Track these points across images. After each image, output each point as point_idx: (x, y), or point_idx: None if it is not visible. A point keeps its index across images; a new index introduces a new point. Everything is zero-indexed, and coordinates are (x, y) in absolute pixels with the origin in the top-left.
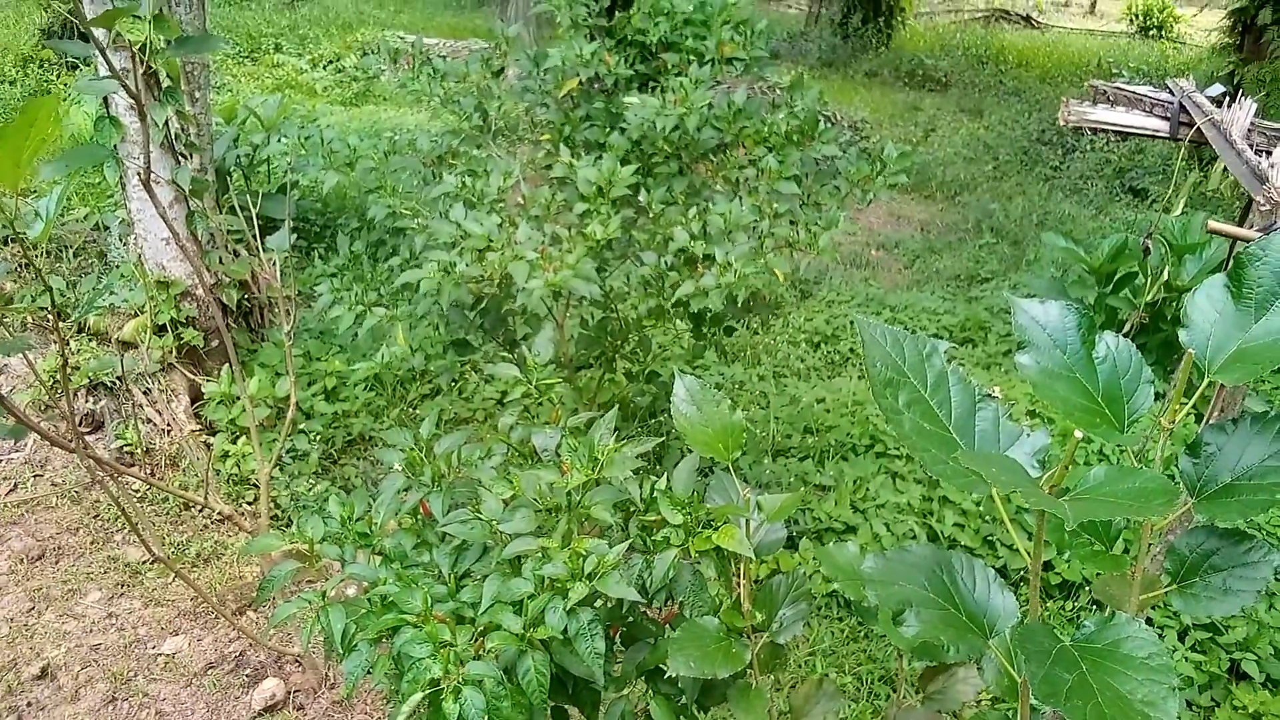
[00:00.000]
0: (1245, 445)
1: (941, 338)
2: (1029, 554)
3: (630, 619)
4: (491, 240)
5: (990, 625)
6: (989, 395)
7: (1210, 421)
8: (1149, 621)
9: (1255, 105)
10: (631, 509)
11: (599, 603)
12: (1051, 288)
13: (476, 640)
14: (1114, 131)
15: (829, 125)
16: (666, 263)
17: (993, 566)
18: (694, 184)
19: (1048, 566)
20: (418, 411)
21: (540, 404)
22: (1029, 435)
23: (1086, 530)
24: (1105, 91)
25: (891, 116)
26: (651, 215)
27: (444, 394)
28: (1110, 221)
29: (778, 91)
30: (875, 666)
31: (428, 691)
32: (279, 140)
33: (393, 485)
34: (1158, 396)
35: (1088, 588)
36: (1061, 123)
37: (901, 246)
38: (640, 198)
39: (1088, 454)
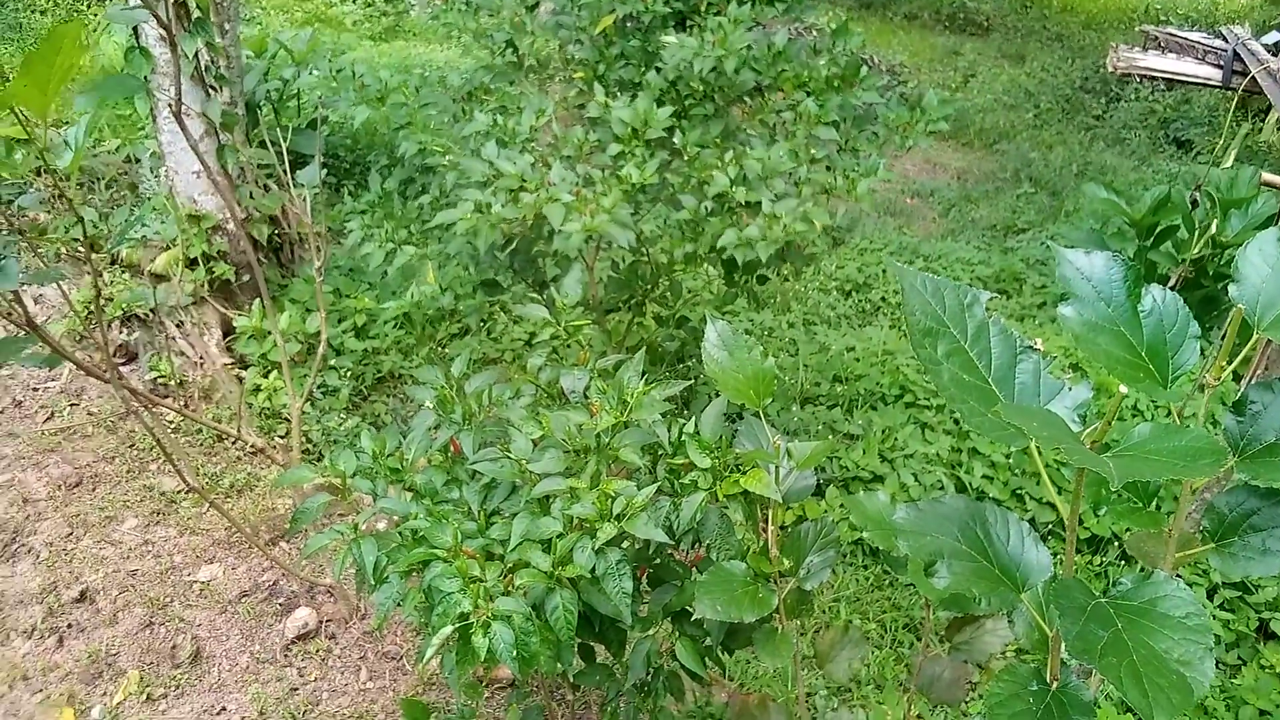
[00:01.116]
0: None
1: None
2: (1063, 509)
3: (657, 560)
4: (525, 180)
5: (1023, 579)
6: (1030, 347)
7: (1252, 380)
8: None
9: None
10: (659, 452)
11: (626, 543)
12: (1090, 239)
13: (505, 577)
14: (1164, 79)
15: (869, 70)
16: (705, 208)
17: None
18: (730, 127)
19: (1078, 521)
20: (446, 350)
21: (569, 345)
22: (1070, 389)
23: (1125, 487)
24: (1157, 37)
25: (930, 61)
26: (686, 158)
27: (473, 334)
28: (1153, 173)
29: (815, 33)
30: (899, 614)
31: (457, 625)
32: (309, 74)
33: (424, 422)
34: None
35: (1117, 543)
36: (1110, 69)
37: (937, 194)
38: (675, 139)
39: (1121, 409)
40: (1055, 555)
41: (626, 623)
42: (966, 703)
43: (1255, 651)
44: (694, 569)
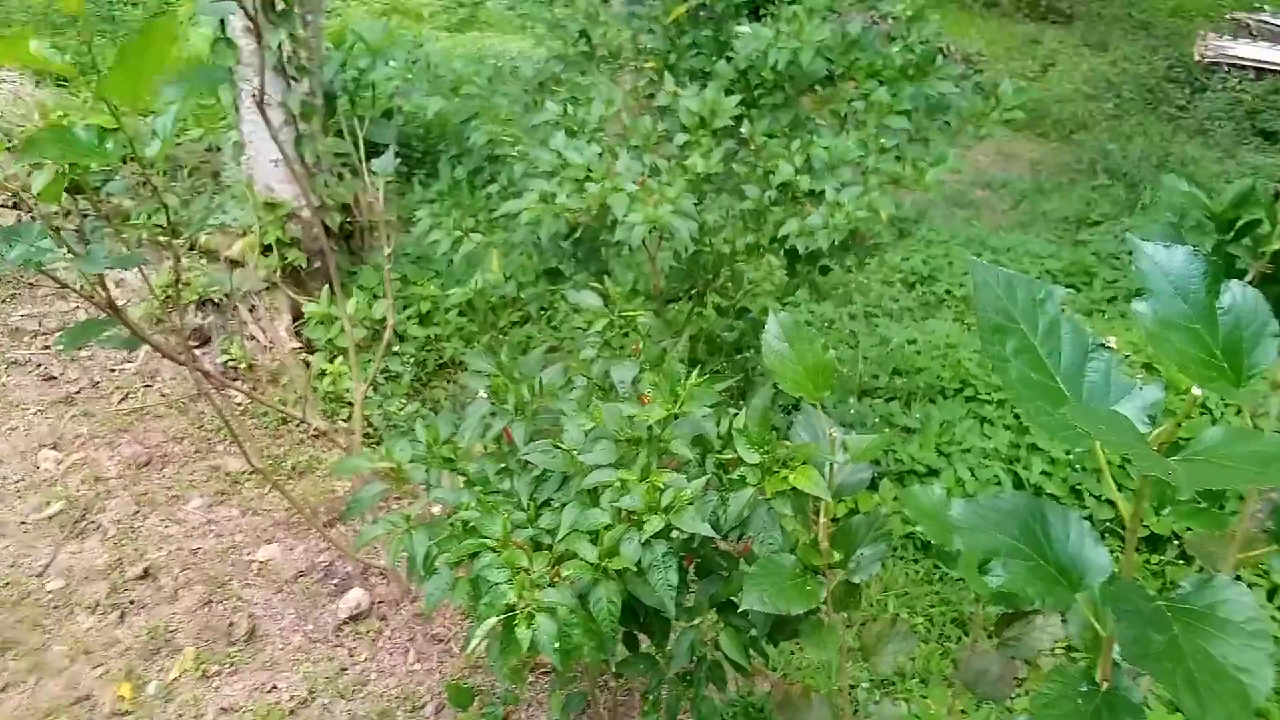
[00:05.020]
0: None
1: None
2: (1125, 508)
3: (704, 552)
4: (591, 170)
5: (1079, 579)
6: (1102, 345)
7: None
8: (1237, 577)
9: None
10: (708, 446)
11: (674, 534)
12: (1167, 233)
13: (552, 567)
14: (1254, 68)
15: (944, 59)
16: (769, 197)
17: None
18: (799, 116)
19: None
20: (507, 338)
21: (626, 334)
22: (1141, 389)
23: None
24: (1248, 25)
25: (1009, 50)
26: (754, 148)
27: (533, 322)
28: (1237, 166)
29: (890, 21)
30: (948, 609)
31: (503, 616)
32: (385, 65)
33: (478, 411)
34: None
35: (1176, 541)
36: (1197, 58)
37: (1009, 186)
38: (743, 129)
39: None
40: (1113, 553)
41: (671, 614)
42: (1013, 699)
43: None
44: (741, 560)
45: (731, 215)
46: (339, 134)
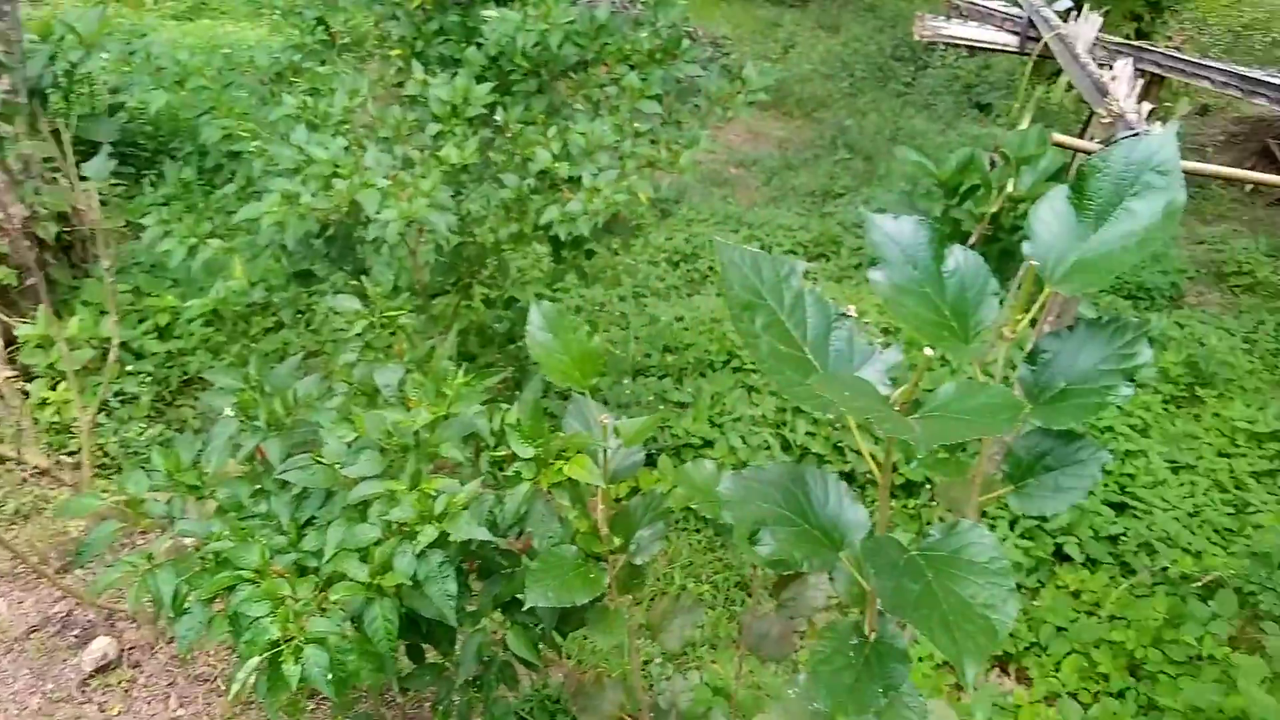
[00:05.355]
0: (1079, 351)
1: (797, 253)
2: (875, 461)
3: (483, 554)
4: (338, 166)
5: (841, 537)
6: (844, 314)
7: (1045, 329)
8: (983, 514)
9: (1100, 20)
10: (482, 443)
11: (450, 540)
12: (902, 201)
13: (320, 592)
14: (966, 46)
15: (691, 43)
16: (529, 185)
17: (841, 471)
18: (554, 102)
19: (892, 469)
20: (259, 346)
21: (392, 333)
22: (881, 352)
23: None
24: (959, 6)
25: (752, 33)
26: (510, 135)
27: (289, 327)
28: (958, 136)
29: (639, 7)
30: (731, 574)
31: (267, 654)
32: (100, 57)
33: (225, 430)
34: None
35: (930, 485)
36: (916, 37)
37: (760, 164)
38: (497, 117)
39: (932, 364)
40: (873, 503)
41: (453, 623)
42: (796, 655)
43: (1052, 573)
44: (524, 555)
45: (493, 205)
46: (53, 134)
